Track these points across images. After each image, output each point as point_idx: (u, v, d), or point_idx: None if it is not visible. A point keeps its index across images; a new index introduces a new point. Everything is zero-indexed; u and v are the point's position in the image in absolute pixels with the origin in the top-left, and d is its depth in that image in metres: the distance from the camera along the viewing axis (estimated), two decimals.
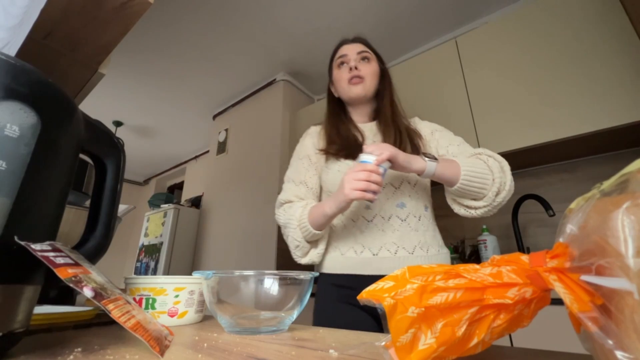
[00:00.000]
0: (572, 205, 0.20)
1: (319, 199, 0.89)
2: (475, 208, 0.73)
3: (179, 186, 4.55)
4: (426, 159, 0.69)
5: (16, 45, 0.40)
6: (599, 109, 1.29)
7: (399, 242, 0.77)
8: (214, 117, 3.29)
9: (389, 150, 0.65)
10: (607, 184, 0.17)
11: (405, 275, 0.23)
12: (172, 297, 0.47)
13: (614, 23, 1.33)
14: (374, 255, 0.76)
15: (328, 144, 0.87)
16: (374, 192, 0.64)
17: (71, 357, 0.26)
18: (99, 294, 0.24)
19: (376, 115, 0.92)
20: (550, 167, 1.65)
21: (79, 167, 0.60)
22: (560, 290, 0.18)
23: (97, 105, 3.08)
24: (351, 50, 0.91)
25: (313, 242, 0.80)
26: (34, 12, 0.41)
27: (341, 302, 0.77)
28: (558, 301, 0.89)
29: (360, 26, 2.16)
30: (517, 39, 1.59)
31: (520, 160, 1.61)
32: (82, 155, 0.35)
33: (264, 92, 2.82)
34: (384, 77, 0.93)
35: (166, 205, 2.86)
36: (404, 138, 0.82)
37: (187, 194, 3.93)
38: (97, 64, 0.68)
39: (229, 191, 2.78)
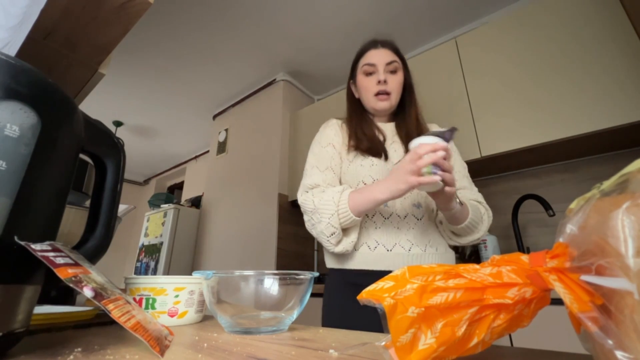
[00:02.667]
0: (572, 205, 0.20)
1: None
2: (452, 239, 0.82)
3: (179, 186, 4.55)
4: (458, 200, 0.71)
5: (16, 45, 0.40)
6: (599, 109, 1.29)
7: (413, 239, 0.78)
8: (214, 117, 3.29)
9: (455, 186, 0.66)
10: (607, 184, 0.17)
11: (405, 275, 0.23)
12: (172, 297, 0.47)
13: (614, 23, 1.33)
14: (388, 251, 0.77)
15: (356, 140, 0.86)
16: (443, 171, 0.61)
17: (71, 357, 0.26)
18: (99, 294, 0.24)
19: (396, 116, 0.93)
20: (550, 167, 1.65)
21: (79, 167, 0.60)
22: (560, 290, 0.18)
23: (97, 105, 3.08)
24: (380, 59, 0.88)
25: (345, 230, 0.78)
26: (34, 12, 0.41)
27: (351, 300, 0.77)
28: (558, 301, 0.89)
29: (360, 26, 2.16)
30: (517, 39, 1.59)
31: (520, 160, 1.61)
32: (82, 155, 0.35)
33: (264, 92, 2.82)
34: (409, 88, 0.92)
35: (166, 205, 2.86)
36: None
37: (187, 194, 3.93)
38: (97, 64, 0.68)
39: (228, 191, 2.78)
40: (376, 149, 0.84)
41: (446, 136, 0.63)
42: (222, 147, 3.02)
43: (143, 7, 0.55)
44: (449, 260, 0.83)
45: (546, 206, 1.44)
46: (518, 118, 1.50)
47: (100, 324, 0.46)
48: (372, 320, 0.72)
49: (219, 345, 0.33)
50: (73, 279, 0.23)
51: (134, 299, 0.47)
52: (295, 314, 0.43)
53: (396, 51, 0.91)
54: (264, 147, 2.60)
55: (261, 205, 2.41)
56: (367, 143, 0.84)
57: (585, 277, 0.17)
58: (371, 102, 0.88)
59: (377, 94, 0.86)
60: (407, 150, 0.83)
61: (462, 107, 1.69)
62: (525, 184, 1.70)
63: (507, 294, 0.21)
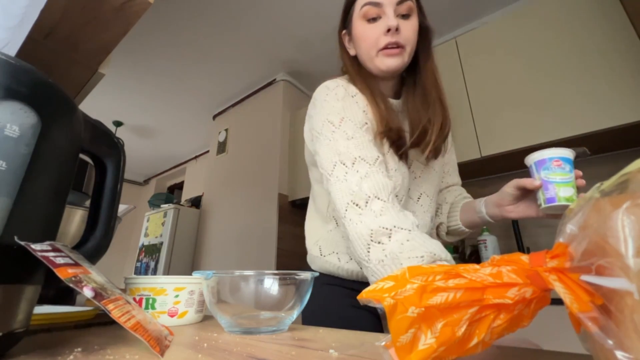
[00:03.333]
0: (572, 205, 0.20)
1: None
2: (441, 237, 0.78)
3: (179, 186, 4.55)
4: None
5: (16, 45, 0.40)
6: (599, 109, 1.29)
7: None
8: (214, 117, 3.29)
9: None
10: (607, 184, 0.17)
11: (405, 275, 0.23)
12: (172, 297, 0.47)
13: (614, 23, 1.33)
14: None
15: (384, 128, 0.60)
16: None
17: (71, 357, 0.26)
18: (99, 294, 0.24)
19: (402, 90, 0.69)
20: None
21: (79, 167, 0.60)
22: (560, 290, 0.18)
23: (97, 105, 3.08)
24: None
25: None
26: (34, 12, 0.41)
27: (351, 305, 0.66)
28: (558, 301, 0.89)
29: None
30: (517, 39, 1.58)
31: (520, 160, 1.61)
32: (82, 155, 0.35)
33: (264, 92, 2.82)
34: (425, 36, 0.66)
35: (166, 205, 2.86)
36: (447, 113, 0.64)
37: (187, 194, 3.93)
38: (97, 64, 0.68)
39: (229, 191, 2.78)
40: (401, 144, 0.61)
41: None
42: (222, 147, 3.02)
43: (143, 7, 0.55)
44: None
45: None
46: (518, 118, 1.50)
47: (100, 324, 0.46)
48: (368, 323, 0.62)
49: (219, 345, 0.33)
50: (73, 279, 0.23)
51: (134, 299, 0.47)
52: (295, 314, 0.43)
53: None
54: (264, 147, 2.60)
55: (261, 205, 2.41)
56: (395, 134, 0.60)
57: (585, 277, 0.17)
58: (375, 60, 0.62)
59: (385, 47, 0.60)
60: (415, 138, 0.62)
61: (462, 107, 1.69)
62: None
63: (507, 294, 0.21)
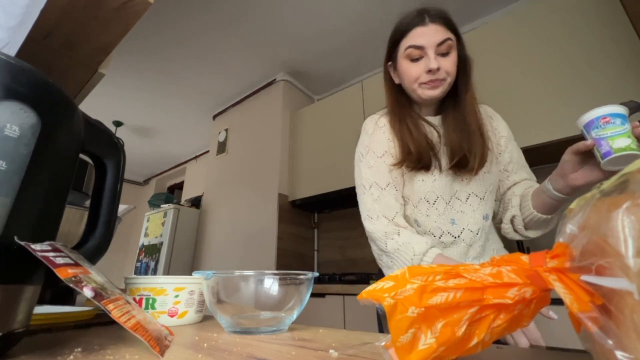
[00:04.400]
0: (572, 205, 0.20)
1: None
2: (520, 233, 0.72)
3: (179, 186, 4.55)
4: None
5: (16, 45, 0.40)
6: None
7: (482, 251, 0.72)
8: (214, 117, 3.29)
9: None
10: (607, 184, 0.17)
11: (405, 275, 0.23)
12: (172, 297, 0.47)
13: (614, 23, 1.33)
14: None
15: (403, 154, 0.72)
16: None
17: (71, 357, 0.26)
18: (99, 294, 0.24)
19: (442, 108, 0.77)
20: (550, 167, 1.65)
21: (79, 167, 0.60)
22: (560, 290, 0.18)
23: (97, 105, 3.08)
24: (430, 40, 0.67)
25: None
26: (34, 12, 0.41)
27: None
28: (558, 301, 0.89)
29: (360, 26, 2.16)
30: (517, 39, 1.59)
31: None
32: (82, 155, 0.35)
33: (264, 92, 2.82)
34: (464, 65, 0.72)
35: (166, 205, 2.86)
36: (486, 150, 0.71)
37: (187, 194, 3.93)
38: (97, 64, 0.68)
39: (229, 191, 2.78)
40: (424, 164, 0.70)
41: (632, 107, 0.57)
42: (222, 147, 3.02)
43: (143, 7, 0.55)
44: None
45: None
46: (518, 118, 1.50)
47: (100, 324, 0.46)
48: None
49: (219, 345, 0.33)
50: (73, 279, 0.23)
51: (134, 299, 0.47)
52: (295, 314, 0.43)
53: (449, 24, 0.70)
54: (264, 147, 2.60)
55: (261, 205, 2.41)
56: (414, 159, 0.70)
57: (585, 277, 0.17)
58: (417, 91, 0.71)
59: (428, 82, 0.69)
60: (452, 160, 0.69)
61: None
62: None
63: (507, 294, 0.21)
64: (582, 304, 0.17)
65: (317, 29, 2.21)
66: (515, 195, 0.73)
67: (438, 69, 0.67)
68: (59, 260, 0.24)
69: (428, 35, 0.68)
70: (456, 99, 0.73)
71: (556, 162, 1.72)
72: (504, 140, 0.78)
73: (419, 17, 0.70)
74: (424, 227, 0.73)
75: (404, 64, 0.72)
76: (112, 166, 0.38)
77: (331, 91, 2.86)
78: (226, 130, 3.05)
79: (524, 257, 0.22)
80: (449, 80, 0.70)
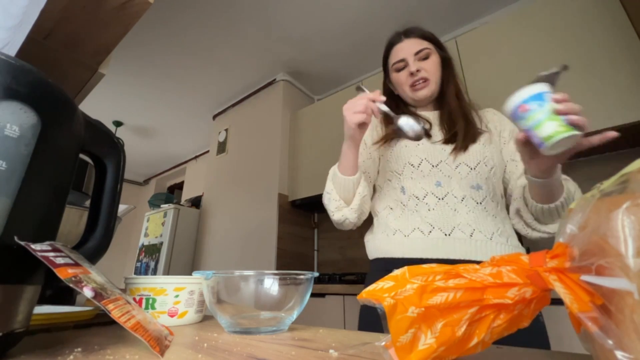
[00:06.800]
0: (572, 205, 0.20)
1: (373, 184, 0.85)
2: (536, 229, 0.67)
3: (179, 186, 4.55)
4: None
5: (16, 45, 0.40)
6: (599, 109, 1.29)
7: (474, 224, 0.69)
8: (214, 117, 3.29)
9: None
10: (607, 184, 0.17)
11: (405, 275, 0.23)
12: (172, 297, 0.47)
13: (614, 23, 1.33)
14: (446, 235, 0.68)
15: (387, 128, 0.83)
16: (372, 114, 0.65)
17: (71, 357, 0.26)
18: (99, 294, 0.24)
19: (439, 104, 0.86)
20: None
21: (79, 167, 0.60)
22: (560, 290, 0.18)
23: (97, 105, 3.08)
24: (408, 51, 0.82)
25: (346, 199, 0.75)
26: (34, 12, 0.41)
27: None
28: (558, 301, 0.89)
29: (359, 27, 2.16)
30: (517, 39, 1.58)
31: None
32: (82, 155, 0.35)
33: (264, 92, 2.82)
34: (447, 65, 0.84)
35: (166, 205, 2.86)
36: (472, 131, 0.78)
37: (187, 194, 3.93)
38: (97, 64, 0.68)
39: (229, 191, 2.78)
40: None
41: (552, 80, 0.53)
42: (222, 147, 3.02)
43: (143, 7, 0.55)
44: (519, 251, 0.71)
45: None
46: None
47: (100, 324, 0.46)
48: None
49: (219, 345, 0.33)
50: (73, 279, 0.23)
51: (134, 299, 0.47)
52: (295, 314, 0.43)
53: (424, 37, 0.84)
54: (264, 147, 2.60)
55: (261, 205, 2.41)
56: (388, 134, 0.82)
57: (585, 277, 0.17)
58: (409, 95, 0.83)
59: (413, 84, 0.81)
60: (447, 138, 0.77)
61: None
62: None
63: (507, 294, 0.21)
64: (582, 304, 0.17)
65: (317, 29, 2.21)
66: (517, 187, 0.72)
67: (418, 71, 0.80)
68: (59, 260, 0.24)
69: (406, 48, 0.83)
70: (443, 93, 0.84)
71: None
72: (507, 133, 0.82)
73: (397, 37, 0.86)
74: (408, 192, 0.76)
75: (394, 76, 0.86)
76: (112, 166, 0.38)
77: (331, 91, 2.86)
78: (226, 130, 3.05)
79: (524, 257, 0.22)
80: (434, 79, 0.81)
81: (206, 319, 0.57)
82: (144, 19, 0.56)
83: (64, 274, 0.23)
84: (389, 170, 0.81)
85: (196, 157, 4.11)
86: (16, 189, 0.24)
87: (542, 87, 0.50)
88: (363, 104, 0.65)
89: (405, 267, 0.24)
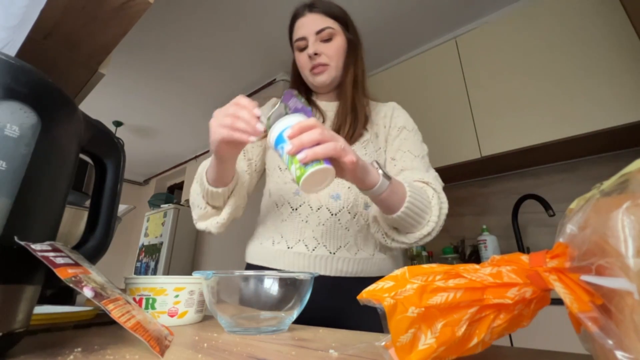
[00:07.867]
0: (572, 205, 0.20)
1: (259, 175, 0.79)
2: (394, 239, 0.61)
3: (179, 186, 4.55)
4: (380, 172, 0.51)
5: (16, 45, 0.40)
6: (598, 109, 1.29)
7: (320, 238, 0.66)
8: None
9: (350, 153, 0.45)
10: (607, 184, 0.17)
11: (405, 275, 0.23)
12: (172, 297, 0.47)
13: (614, 23, 1.33)
14: (288, 248, 0.67)
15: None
16: (247, 134, 0.48)
17: (71, 357, 0.26)
18: (99, 294, 0.24)
19: (339, 95, 0.78)
20: (550, 167, 1.65)
21: (79, 167, 0.60)
22: (560, 290, 0.18)
23: (97, 105, 3.08)
24: (309, 29, 0.72)
25: (214, 206, 0.65)
26: (34, 12, 0.41)
27: None
28: (558, 301, 0.89)
29: (359, 26, 2.15)
30: (517, 39, 1.59)
31: (520, 160, 1.61)
32: (82, 155, 0.35)
33: (263, 92, 2.82)
34: (351, 49, 0.76)
35: (166, 205, 2.86)
36: (358, 129, 0.71)
37: (187, 194, 3.92)
38: (97, 64, 0.68)
39: None
40: None
41: (299, 109, 0.50)
42: None
43: (143, 7, 0.55)
44: (370, 266, 0.67)
45: (546, 206, 1.44)
46: (518, 118, 1.50)
47: (100, 324, 0.46)
48: None
49: (219, 345, 0.33)
50: (73, 279, 0.23)
51: (134, 299, 0.47)
52: (295, 314, 0.43)
53: (329, 13, 0.73)
54: None
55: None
56: None
57: (585, 277, 0.17)
58: (308, 78, 0.75)
59: (312, 68, 0.73)
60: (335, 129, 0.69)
61: (462, 107, 1.69)
62: (525, 184, 1.70)
63: (507, 294, 0.21)
64: (582, 304, 0.17)
65: None
66: None
67: (316, 54, 0.71)
68: (59, 260, 0.24)
69: (307, 25, 0.73)
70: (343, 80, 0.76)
71: (557, 161, 1.72)
72: (396, 130, 0.74)
73: (301, 9, 0.75)
74: (272, 198, 0.72)
75: (296, 56, 0.77)
76: (112, 166, 0.38)
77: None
78: None
79: (524, 257, 0.22)
80: (334, 65, 0.73)
81: (206, 319, 0.57)
82: (143, 19, 0.56)
83: (64, 274, 0.23)
84: (273, 167, 0.75)
85: (196, 157, 4.11)
86: (16, 189, 0.24)
87: (282, 125, 0.45)
88: (235, 115, 0.49)
89: (405, 267, 0.24)
